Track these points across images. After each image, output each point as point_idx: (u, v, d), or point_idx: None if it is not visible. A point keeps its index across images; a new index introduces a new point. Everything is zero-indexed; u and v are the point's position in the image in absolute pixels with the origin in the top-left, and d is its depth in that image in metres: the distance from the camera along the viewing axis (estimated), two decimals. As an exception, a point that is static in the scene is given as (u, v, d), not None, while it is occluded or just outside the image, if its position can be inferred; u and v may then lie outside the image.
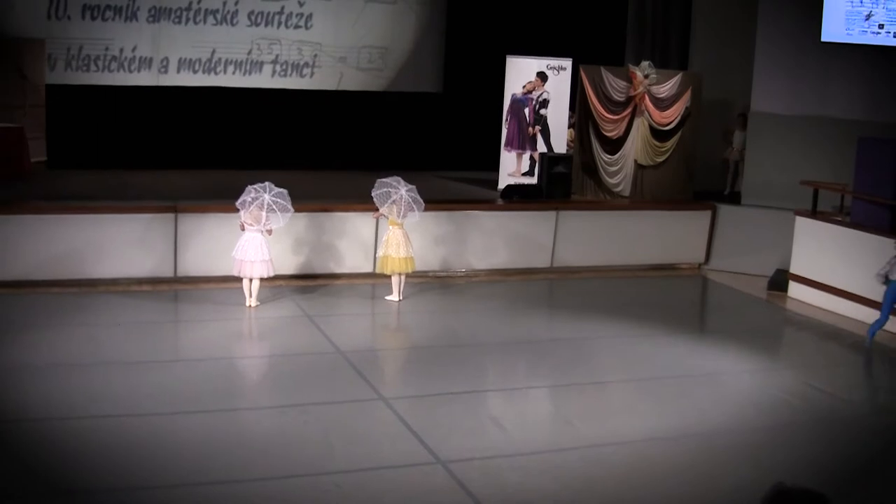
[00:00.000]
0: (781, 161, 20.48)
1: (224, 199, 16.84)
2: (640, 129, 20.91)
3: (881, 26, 19.70)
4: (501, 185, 21.22)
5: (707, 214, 20.89)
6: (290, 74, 24.36)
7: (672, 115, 20.95)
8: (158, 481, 9.70)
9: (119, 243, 17.12)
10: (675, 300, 18.80)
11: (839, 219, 18.17)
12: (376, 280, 17.45)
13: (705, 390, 13.36)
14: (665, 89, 20.86)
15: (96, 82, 23.03)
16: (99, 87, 22.99)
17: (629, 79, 20.75)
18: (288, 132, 23.70)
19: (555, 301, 18.65)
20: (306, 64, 24.37)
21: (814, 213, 18.54)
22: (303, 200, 16.67)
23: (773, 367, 14.83)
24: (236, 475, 9.88)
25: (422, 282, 17.77)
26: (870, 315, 16.26)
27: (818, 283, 18.04)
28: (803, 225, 18.56)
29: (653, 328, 16.07)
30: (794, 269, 18.69)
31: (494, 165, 21.94)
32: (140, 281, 16.98)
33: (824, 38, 20.24)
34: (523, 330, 15.81)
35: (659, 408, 12.48)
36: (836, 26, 20.07)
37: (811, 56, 20.60)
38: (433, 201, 17.25)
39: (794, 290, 18.59)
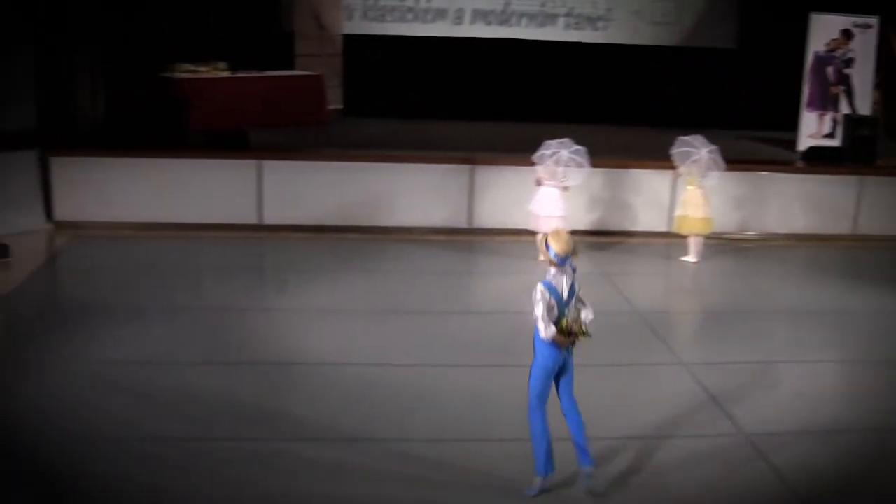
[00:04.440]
0: None
1: (517, 152, 16.80)
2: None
3: None
4: (801, 146, 20.56)
5: None
6: (584, 27, 24.12)
7: None
8: (431, 434, 9.77)
9: (414, 193, 17.30)
10: None
11: None
12: (671, 240, 17.12)
13: None
14: None
15: (391, 32, 23.33)
16: (394, 37, 23.28)
17: (943, 39, 19.84)
18: (581, 86, 23.47)
19: (854, 271, 17.86)
20: (600, 17, 24.09)
21: None
22: (598, 156, 16.37)
23: None
24: (523, 432, 9.78)
25: (717, 244, 17.31)
26: None
27: None
28: None
29: None
30: None
31: (793, 126, 21.24)
32: (435, 230, 17.09)
33: None
34: (821, 299, 15.20)
35: None
36: None
37: None
38: (730, 161, 16.70)
39: None
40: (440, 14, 23.59)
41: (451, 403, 10.31)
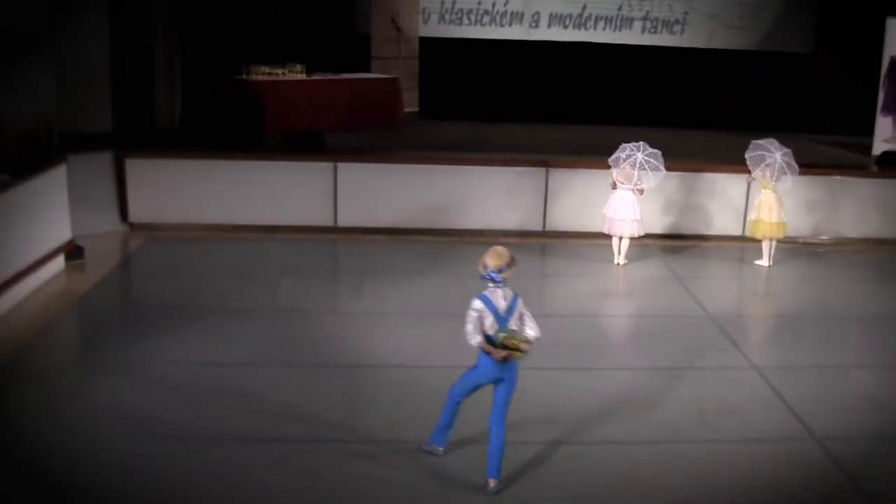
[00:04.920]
0: None
1: (593, 155, 16.83)
2: None
3: None
4: (876, 151, 20.38)
5: None
6: (660, 31, 24.11)
7: None
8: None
9: (488, 195, 17.37)
10: None
11: None
12: (745, 244, 17.08)
13: None
14: None
15: (468, 35, 23.46)
16: (470, 40, 23.40)
17: None
18: (657, 89, 23.47)
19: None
20: (677, 21, 24.07)
21: None
22: (673, 159, 16.40)
23: None
24: (596, 434, 9.87)
25: (791, 248, 17.24)
26: None
27: None
28: None
29: None
30: None
31: (868, 130, 21.06)
32: (508, 233, 17.13)
33: None
34: (894, 303, 14.91)
35: None
36: None
37: None
38: (804, 165, 16.56)
39: None
40: (516, 17, 23.70)
41: (527, 406, 10.28)
